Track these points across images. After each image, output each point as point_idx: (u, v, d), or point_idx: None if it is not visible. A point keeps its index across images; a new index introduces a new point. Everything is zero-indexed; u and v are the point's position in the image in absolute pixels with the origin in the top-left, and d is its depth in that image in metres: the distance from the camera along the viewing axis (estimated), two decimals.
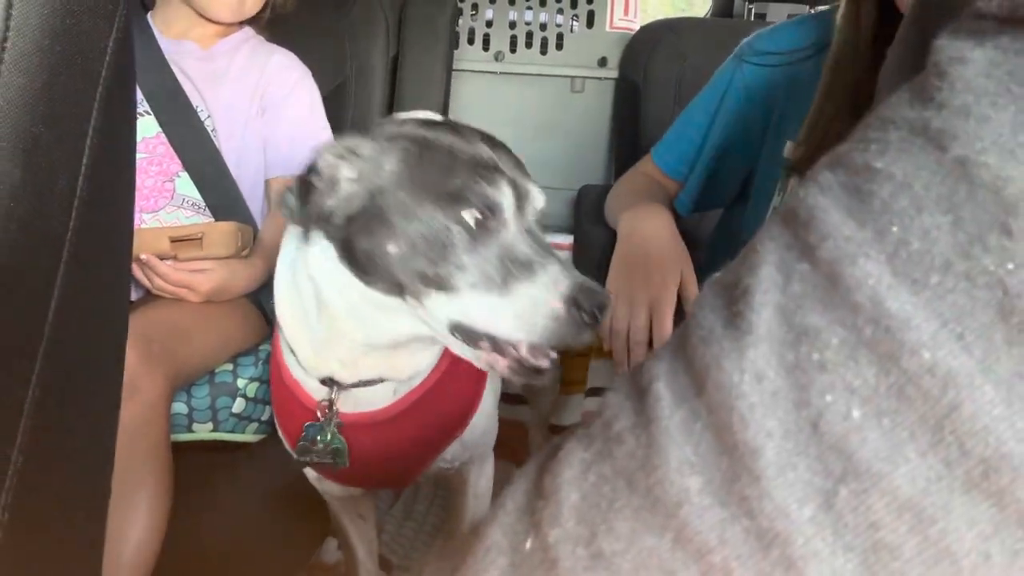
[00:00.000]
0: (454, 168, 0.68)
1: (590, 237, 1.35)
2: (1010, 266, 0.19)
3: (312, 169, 0.69)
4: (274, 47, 1.36)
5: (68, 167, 0.38)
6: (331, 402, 0.82)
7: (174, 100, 1.24)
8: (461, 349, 0.70)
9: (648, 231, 1.09)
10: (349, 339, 0.77)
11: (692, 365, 0.23)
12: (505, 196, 0.68)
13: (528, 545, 0.23)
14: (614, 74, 1.90)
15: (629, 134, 1.75)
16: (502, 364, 0.68)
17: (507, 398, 1.52)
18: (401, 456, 0.89)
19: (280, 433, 0.93)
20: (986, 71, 0.20)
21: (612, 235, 1.19)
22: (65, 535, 0.43)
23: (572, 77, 1.93)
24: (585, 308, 0.65)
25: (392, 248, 0.67)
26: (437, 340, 0.73)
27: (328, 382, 0.81)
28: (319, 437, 0.84)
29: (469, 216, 0.66)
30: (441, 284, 0.66)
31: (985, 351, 0.19)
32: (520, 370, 0.68)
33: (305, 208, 0.69)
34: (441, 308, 0.68)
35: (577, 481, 0.23)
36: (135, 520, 0.86)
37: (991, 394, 0.18)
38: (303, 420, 0.85)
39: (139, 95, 1.22)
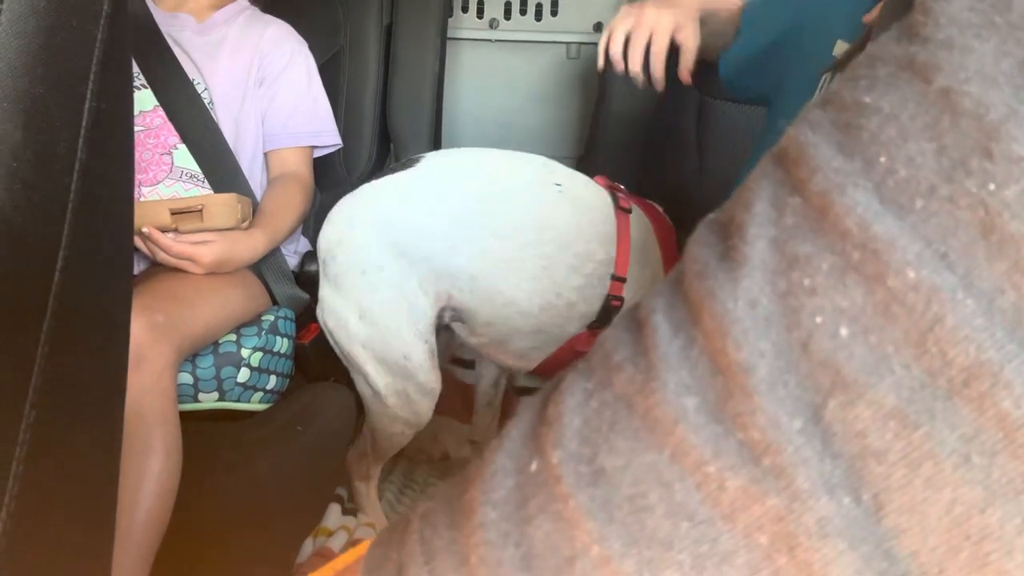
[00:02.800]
0: None
1: None
2: (991, 187, 0.19)
3: None
4: (270, 18, 1.36)
5: (68, 129, 0.39)
6: None
7: (171, 73, 1.23)
8: None
9: None
10: None
11: (688, 298, 0.23)
12: None
13: (533, 467, 0.24)
14: None
15: None
16: None
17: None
18: None
19: None
20: (970, 5, 0.21)
21: None
22: (79, 493, 0.44)
23: (568, 43, 1.91)
24: None
25: None
26: None
27: None
28: None
29: None
30: None
31: (968, 267, 0.19)
32: None
33: None
34: None
35: (579, 408, 0.24)
36: (146, 486, 0.88)
37: (973, 306, 0.19)
38: None
39: (135, 68, 1.22)
